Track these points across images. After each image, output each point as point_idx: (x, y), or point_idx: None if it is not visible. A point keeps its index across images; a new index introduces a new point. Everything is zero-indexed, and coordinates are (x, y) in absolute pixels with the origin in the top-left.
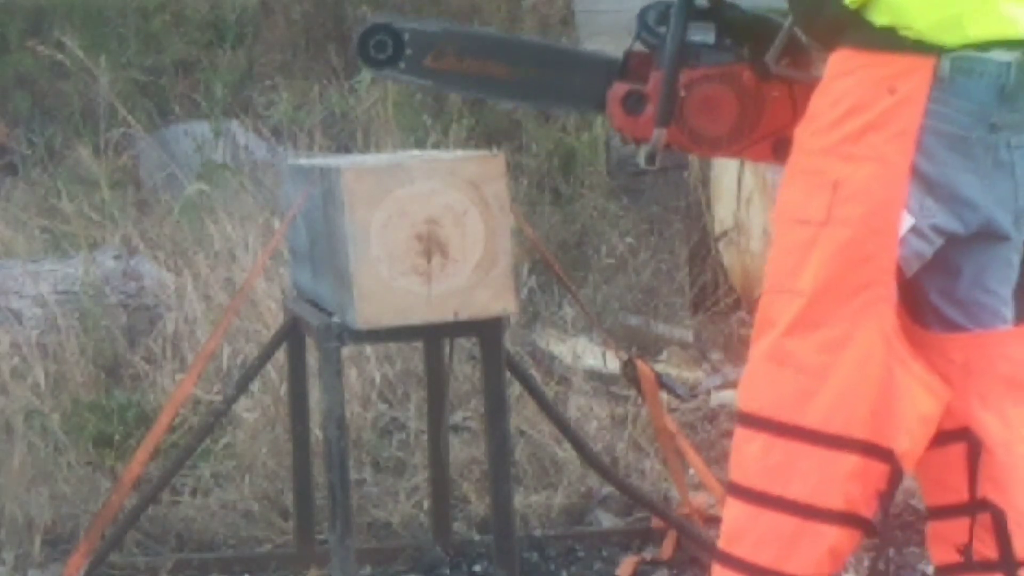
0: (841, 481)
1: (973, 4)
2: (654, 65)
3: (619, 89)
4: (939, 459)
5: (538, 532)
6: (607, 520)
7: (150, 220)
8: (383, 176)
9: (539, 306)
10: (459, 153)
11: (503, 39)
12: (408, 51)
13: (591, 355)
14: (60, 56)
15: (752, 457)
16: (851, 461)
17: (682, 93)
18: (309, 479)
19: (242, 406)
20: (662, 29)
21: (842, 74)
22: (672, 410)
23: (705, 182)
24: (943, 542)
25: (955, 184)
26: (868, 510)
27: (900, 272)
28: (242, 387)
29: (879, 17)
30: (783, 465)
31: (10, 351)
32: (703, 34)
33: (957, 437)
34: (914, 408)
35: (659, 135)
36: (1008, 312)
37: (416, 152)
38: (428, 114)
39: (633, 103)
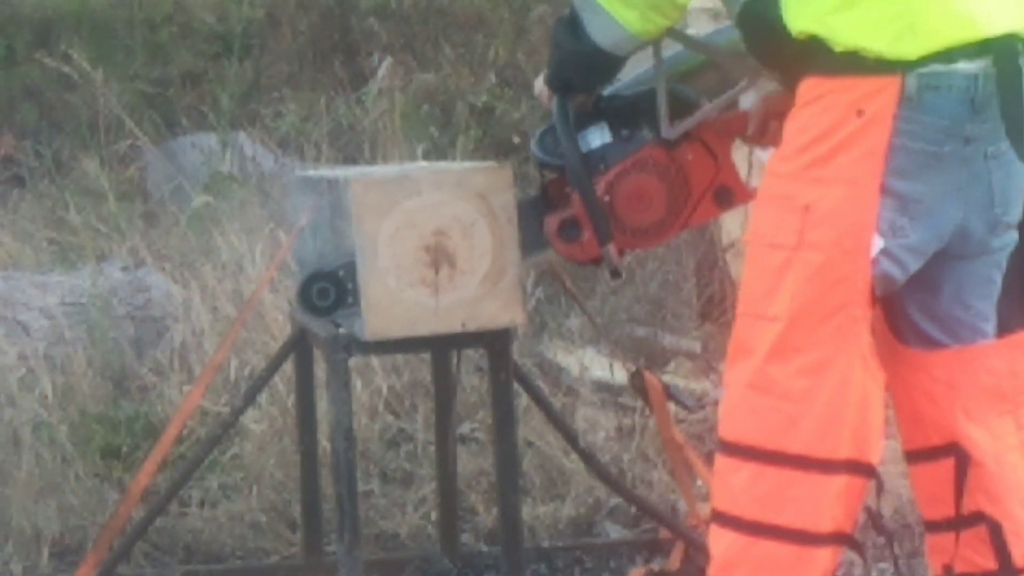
0: (830, 503)
1: (923, 10)
2: (569, 186)
3: (551, 223)
4: (930, 474)
5: (546, 543)
6: (615, 531)
7: (157, 232)
8: (391, 187)
9: (546, 317)
10: (467, 164)
11: None
12: (350, 286)
13: (598, 366)
14: (67, 68)
15: (741, 486)
16: (839, 482)
17: (606, 199)
18: (317, 490)
19: (250, 417)
20: (560, 150)
21: (810, 101)
22: (679, 421)
23: None
24: (941, 555)
25: (930, 200)
26: (852, 526)
27: (880, 290)
28: (250, 399)
29: (837, 43)
30: (774, 493)
31: (18, 363)
32: (599, 135)
33: (946, 452)
34: (880, 416)
35: (607, 252)
36: (988, 327)
37: (423, 163)
38: (435, 125)
39: (568, 231)
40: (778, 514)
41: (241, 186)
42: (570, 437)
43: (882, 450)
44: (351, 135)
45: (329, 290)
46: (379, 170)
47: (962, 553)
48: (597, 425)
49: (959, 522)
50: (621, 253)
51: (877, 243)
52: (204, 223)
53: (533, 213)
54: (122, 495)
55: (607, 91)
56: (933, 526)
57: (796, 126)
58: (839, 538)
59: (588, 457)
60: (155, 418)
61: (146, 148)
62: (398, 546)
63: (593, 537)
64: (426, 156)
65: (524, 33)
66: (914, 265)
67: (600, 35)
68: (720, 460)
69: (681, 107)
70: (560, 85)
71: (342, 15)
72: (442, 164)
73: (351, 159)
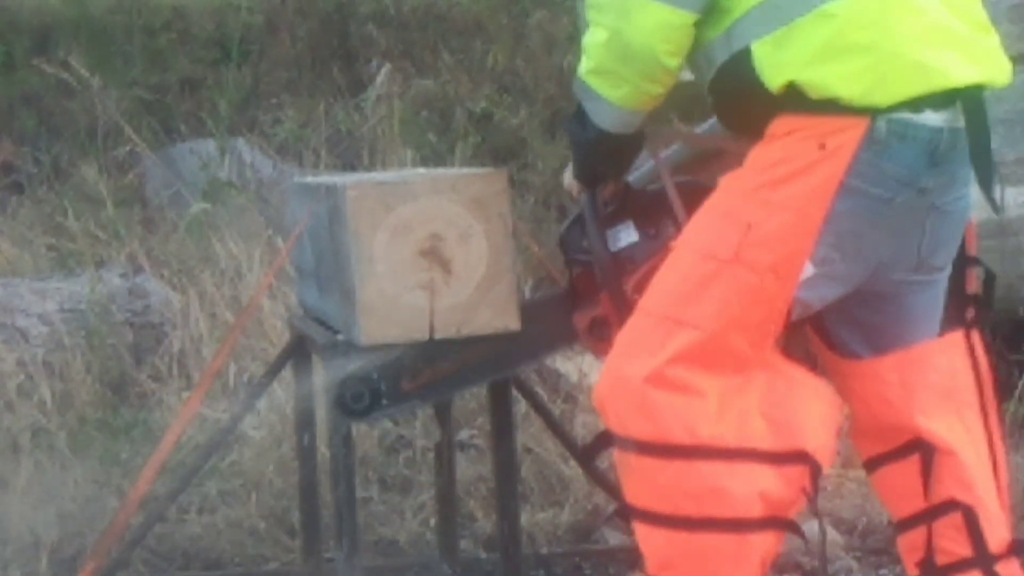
0: (762, 490)
1: (894, 61)
2: (598, 285)
3: (581, 321)
4: (897, 473)
5: (545, 550)
6: (614, 537)
7: (156, 238)
8: (387, 193)
9: None
10: (463, 170)
11: None
12: (383, 387)
13: (597, 372)
14: (66, 75)
15: (669, 484)
16: (767, 471)
17: (635, 298)
18: (316, 497)
19: (248, 424)
20: (586, 244)
21: (780, 136)
22: None
23: None
24: (915, 551)
25: (867, 239)
26: (792, 512)
27: (795, 314)
28: (248, 405)
29: (812, 93)
30: (703, 487)
31: (16, 369)
32: (626, 234)
33: (910, 449)
34: (811, 414)
35: None
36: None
37: (421, 170)
38: (434, 132)
39: (598, 330)
40: (708, 506)
41: (239, 193)
42: (569, 443)
43: (823, 436)
44: (350, 141)
45: (364, 393)
46: (376, 176)
47: (937, 544)
48: (596, 431)
49: (930, 514)
50: None
51: (807, 270)
52: (202, 229)
53: (562, 308)
54: (121, 502)
55: (633, 176)
56: (905, 524)
57: (759, 155)
58: (777, 523)
59: (587, 463)
60: (154, 424)
61: (144, 155)
62: (397, 552)
63: (592, 543)
64: (424, 162)
65: (522, 39)
66: (832, 295)
67: (602, 119)
68: (637, 460)
69: (697, 200)
70: (586, 177)
71: (341, 21)
72: (439, 170)
73: (350, 165)
